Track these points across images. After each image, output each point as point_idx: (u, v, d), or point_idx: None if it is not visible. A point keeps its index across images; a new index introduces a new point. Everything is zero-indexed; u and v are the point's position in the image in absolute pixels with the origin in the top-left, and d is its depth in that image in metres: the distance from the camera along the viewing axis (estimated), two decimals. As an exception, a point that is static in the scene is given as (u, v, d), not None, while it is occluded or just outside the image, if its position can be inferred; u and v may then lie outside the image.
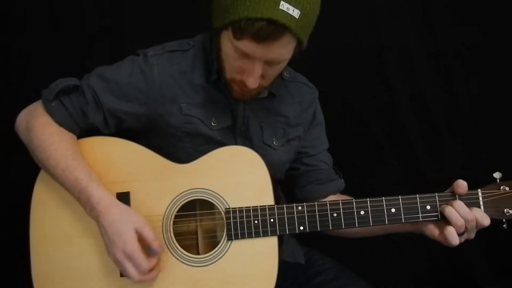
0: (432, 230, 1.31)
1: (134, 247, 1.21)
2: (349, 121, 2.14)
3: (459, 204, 1.26)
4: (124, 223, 1.23)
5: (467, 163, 2.10)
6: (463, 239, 1.28)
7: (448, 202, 1.28)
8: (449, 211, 1.26)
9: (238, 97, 1.38)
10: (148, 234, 1.24)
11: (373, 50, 2.10)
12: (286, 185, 1.56)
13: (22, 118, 1.39)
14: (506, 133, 2.09)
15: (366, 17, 2.09)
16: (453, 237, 1.25)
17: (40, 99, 1.39)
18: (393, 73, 2.12)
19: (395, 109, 2.14)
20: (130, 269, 1.22)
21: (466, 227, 1.26)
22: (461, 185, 1.29)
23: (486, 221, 1.26)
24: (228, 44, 1.25)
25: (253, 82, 1.26)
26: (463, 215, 1.25)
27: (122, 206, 1.27)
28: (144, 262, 1.22)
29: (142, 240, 1.24)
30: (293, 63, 1.55)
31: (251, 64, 1.24)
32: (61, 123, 1.35)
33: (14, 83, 1.94)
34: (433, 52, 2.11)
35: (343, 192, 1.58)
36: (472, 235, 1.29)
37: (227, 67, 1.31)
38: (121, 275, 1.29)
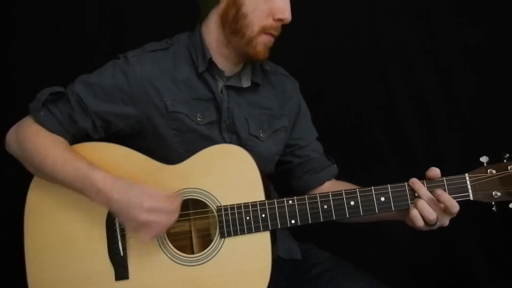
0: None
1: (152, 199, 1.25)
2: (347, 120, 2.14)
3: (421, 205, 1.28)
4: (134, 189, 1.26)
5: (466, 162, 2.08)
6: (436, 227, 1.31)
7: (414, 201, 1.29)
8: (415, 214, 1.28)
9: (261, 55, 1.40)
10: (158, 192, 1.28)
11: (372, 49, 2.10)
12: (278, 179, 1.56)
13: (12, 133, 1.41)
14: (505, 132, 2.05)
15: (365, 16, 2.09)
16: (417, 221, 1.28)
17: (27, 114, 1.40)
18: (391, 72, 2.12)
19: (393, 108, 2.14)
20: (162, 217, 1.25)
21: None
22: (433, 169, 1.32)
23: (455, 209, 1.27)
24: None
25: (289, 13, 1.37)
26: (426, 217, 1.27)
27: (128, 180, 1.29)
28: (168, 202, 1.26)
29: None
30: (292, 61, 1.57)
31: None
32: (52, 131, 1.37)
33: (14, 83, 1.97)
34: (432, 51, 2.10)
35: (338, 178, 1.60)
36: (445, 222, 1.30)
37: (255, 18, 1.36)
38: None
